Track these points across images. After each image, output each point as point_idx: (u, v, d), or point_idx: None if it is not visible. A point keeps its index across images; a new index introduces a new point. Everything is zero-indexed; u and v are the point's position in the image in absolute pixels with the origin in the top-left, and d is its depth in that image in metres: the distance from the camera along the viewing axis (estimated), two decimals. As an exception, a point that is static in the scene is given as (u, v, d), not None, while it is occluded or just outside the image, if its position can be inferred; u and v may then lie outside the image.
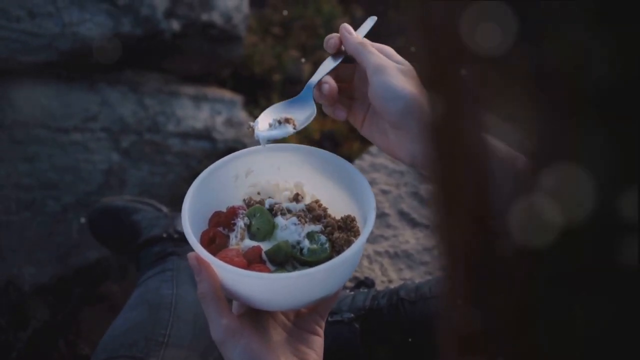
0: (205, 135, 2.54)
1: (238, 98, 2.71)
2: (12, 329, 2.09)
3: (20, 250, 2.18)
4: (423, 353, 0.90)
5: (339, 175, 0.68)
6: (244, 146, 2.62)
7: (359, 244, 0.62)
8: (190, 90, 2.57)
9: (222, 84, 2.80)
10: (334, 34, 0.76)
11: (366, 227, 0.63)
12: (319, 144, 2.71)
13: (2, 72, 2.15)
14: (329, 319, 0.92)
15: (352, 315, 0.91)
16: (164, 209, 1.34)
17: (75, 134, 2.27)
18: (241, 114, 2.69)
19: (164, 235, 1.17)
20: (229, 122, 2.62)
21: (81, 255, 2.27)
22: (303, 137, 2.71)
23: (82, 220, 2.19)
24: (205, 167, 2.32)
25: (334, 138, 2.72)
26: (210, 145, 2.55)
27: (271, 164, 0.73)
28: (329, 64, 0.74)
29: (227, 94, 2.70)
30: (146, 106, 2.43)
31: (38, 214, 2.21)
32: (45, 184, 2.22)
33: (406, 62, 0.71)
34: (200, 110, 2.57)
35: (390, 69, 0.68)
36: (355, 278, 1.15)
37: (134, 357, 0.87)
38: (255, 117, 2.53)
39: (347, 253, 0.61)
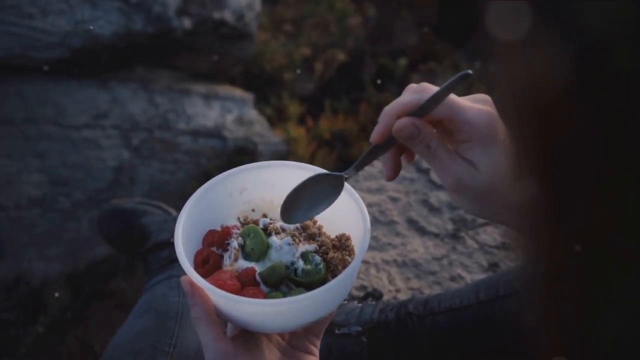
0: (215, 133, 2.54)
1: (249, 96, 2.71)
2: (22, 324, 2.10)
3: (30, 246, 2.19)
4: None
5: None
6: (254, 145, 2.61)
7: (353, 266, 0.62)
8: (201, 88, 2.57)
9: (233, 81, 2.79)
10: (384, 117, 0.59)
11: (361, 249, 0.63)
12: (329, 143, 2.70)
13: (14, 68, 2.15)
14: (337, 331, 0.91)
15: (360, 328, 0.90)
16: (173, 212, 1.34)
17: (86, 131, 2.28)
18: (252, 113, 2.68)
19: (172, 240, 1.16)
20: (240, 121, 2.62)
21: (91, 252, 2.28)
22: (313, 137, 2.70)
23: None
24: (215, 165, 2.30)
25: (344, 138, 2.71)
26: (221, 144, 2.55)
27: (265, 181, 0.71)
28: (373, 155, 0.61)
29: (237, 92, 2.70)
30: (157, 104, 2.43)
31: (48, 210, 2.22)
32: (56, 181, 2.23)
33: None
34: (210, 109, 2.57)
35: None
36: (362, 287, 1.14)
37: (139, 367, 0.87)
38: (265, 115, 2.51)
39: (341, 277, 0.61)
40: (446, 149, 0.58)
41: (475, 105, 0.57)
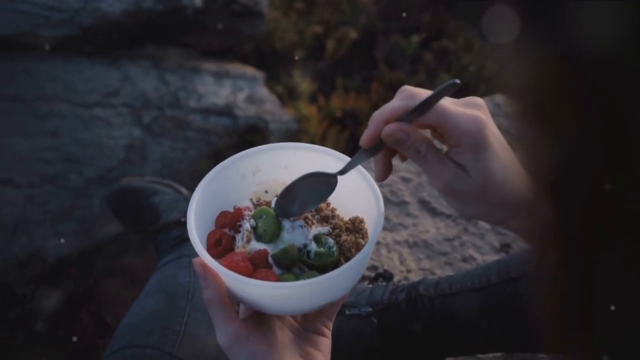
0: (226, 111, 2.54)
1: (260, 74, 2.70)
2: (37, 300, 2.13)
3: (44, 223, 2.21)
4: (440, 349, 0.89)
5: (347, 175, 0.67)
6: (265, 123, 2.61)
7: (365, 250, 0.61)
8: (211, 66, 2.56)
9: (244, 59, 2.78)
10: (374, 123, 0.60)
11: (374, 233, 0.62)
12: (340, 121, 2.69)
13: (24, 46, 2.15)
14: (347, 312, 0.91)
15: (370, 309, 0.90)
16: (184, 190, 1.34)
17: (97, 109, 2.28)
18: (263, 91, 2.67)
19: (183, 219, 1.17)
20: (251, 99, 2.61)
21: (103, 229, 2.30)
22: (325, 115, 2.69)
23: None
24: (226, 143, 2.29)
25: (356, 116, 2.69)
26: (232, 122, 2.54)
27: (278, 163, 0.71)
28: (361, 158, 0.63)
29: (248, 70, 2.68)
30: (167, 82, 2.43)
31: (61, 187, 2.24)
32: (68, 159, 2.24)
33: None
34: (221, 87, 2.56)
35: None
36: (373, 268, 1.14)
37: (150, 346, 0.87)
38: (276, 94, 2.49)
39: (354, 261, 0.60)
40: (436, 153, 0.59)
41: (465, 110, 0.57)
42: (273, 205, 0.69)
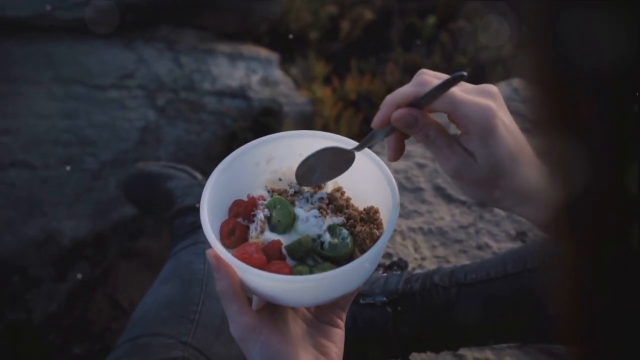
0: (240, 94, 2.52)
1: (274, 56, 2.68)
2: (53, 282, 2.16)
3: (59, 205, 2.22)
4: (455, 339, 0.89)
5: (362, 164, 0.67)
6: (280, 105, 2.59)
7: (381, 243, 0.61)
8: (226, 48, 2.55)
9: (258, 41, 2.76)
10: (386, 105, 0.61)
11: (389, 225, 0.62)
12: (355, 104, 2.67)
13: (40, 29, 2.15)
14: (361, 301, 0.91)
15: (385, 298, 0.90)
16: (199, 176, 1.34)
17: (112, 92, 2.28)
18: (277, 73, 2.65)
19: (197, 205, 1.16)
20: (265, 81, 2.60)
21: (118, 211, 2.31)
22: (339, 97, 2.67)
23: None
24: (240, 126, 2.28)
25: (371, 99, 2.67)
26: (246, 104, 2.53)
27: (293, 151, 0.71)
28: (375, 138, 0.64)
29: (263, 52, 2.67)
30: (182, 64, 2.42)
31: (77, 169, 2.25)
32: (84, 141, 2.25)
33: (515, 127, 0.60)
34: (235, 69, 2.54)
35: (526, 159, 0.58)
36: (388, 255, 1.13)
37: (165, 335, 0.88)
38: (291, 75, 2.47)
39: (369, 254, 0.60)
40: (446, 138, 0.60)
41: (475, 98, 0.58)
42: (294, 176, 0.69)
